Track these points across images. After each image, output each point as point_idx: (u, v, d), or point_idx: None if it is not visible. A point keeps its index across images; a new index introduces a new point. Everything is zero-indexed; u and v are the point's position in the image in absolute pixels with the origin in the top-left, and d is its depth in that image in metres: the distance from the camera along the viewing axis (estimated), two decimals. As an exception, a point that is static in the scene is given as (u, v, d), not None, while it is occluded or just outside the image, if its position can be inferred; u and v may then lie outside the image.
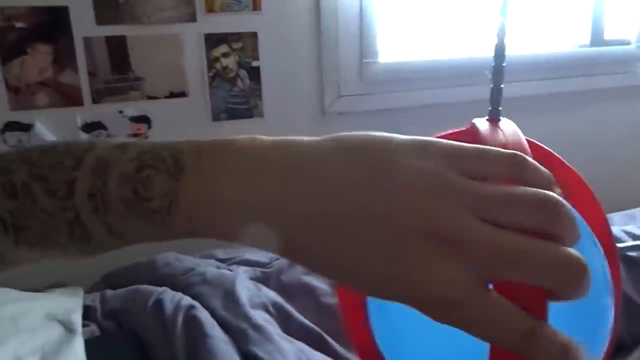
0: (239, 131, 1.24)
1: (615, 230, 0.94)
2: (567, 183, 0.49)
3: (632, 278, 0.87)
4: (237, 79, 1.11)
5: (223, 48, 1.09)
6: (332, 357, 0.69)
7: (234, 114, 1.12)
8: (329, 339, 0.71)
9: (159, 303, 0.64)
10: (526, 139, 0.40)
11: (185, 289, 0.70)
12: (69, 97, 1.00)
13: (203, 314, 0.64)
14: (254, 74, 1.11)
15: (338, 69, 1.17)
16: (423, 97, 1.23)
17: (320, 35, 1.14)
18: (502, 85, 0.41)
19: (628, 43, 1.45)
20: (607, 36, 1.45)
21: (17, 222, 0.31)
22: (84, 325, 0.67)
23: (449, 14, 1.30)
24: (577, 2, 1.44)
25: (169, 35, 1.04)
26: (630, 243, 0.53)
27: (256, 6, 1.08)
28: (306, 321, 0.73)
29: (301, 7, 1.12)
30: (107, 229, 0.32)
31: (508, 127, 0.40)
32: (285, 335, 0.70)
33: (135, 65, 1.03)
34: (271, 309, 0.72)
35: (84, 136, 1.03)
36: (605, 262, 0.43)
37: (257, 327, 0.68)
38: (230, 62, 1.10)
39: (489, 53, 1.30)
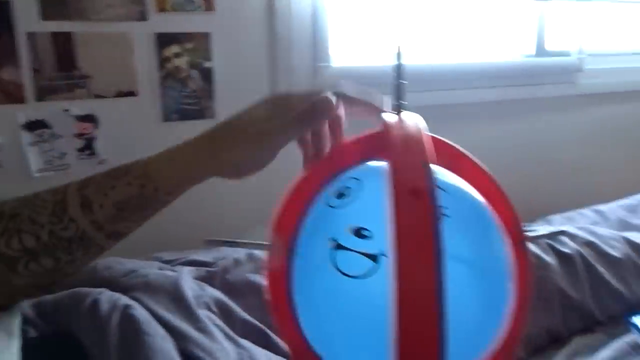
0: (191, 132, 1.22)
1: (553, 229, 0.98)
2: (475, 178, 0.52)
3: (567, 273, 0.91)
4: (188, 80, 1.10)
5: (175, 48, 1.08)
6: (276, 354, 0.70)
7: (185, 115, 1.11)
8: (273, 336, 0.71)
9: (95, 303, 0.63)
10: (433, 136, 0.43)
11: (126, 291, 0.68)
12: (10, 94, 0.97)
13: (141, 313, 0.62)
14: (207, 74, 1.11)
15: (292, 72, 1.18)
16: (375, 101, 1.25)
17: (274, 37, 1.15)
18: (404, 81, 0.46)
19: (568, 54, 1.52)
20: (550, 47, 1.52)
21: (13, 212, 0.49)
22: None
23: (401, 20, 1.33)
24: (524, 14, 1.50)
25: (118, 33, 1.02)
26: (543, 232, 0.57)
27: (209, 6, 1.08)
28: (250, 318, 0.73)
29: (254, 8, 1.12)
30: (81, 199, 0.49)
31: (410, 117, 0.44)
32: (231, 334, 0.69)
33: (82, 63, 1.01)
34: (214, 308, 0.71)
35: (25, 135, 1.00)
36: (509, 252, 0.46)
37: (199, 327, 0.67)
38: (182, 62, 1.09)
39: (441, 60, 1.33)
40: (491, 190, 0.56)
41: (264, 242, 0.56)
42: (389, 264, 0.37)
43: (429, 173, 0.38)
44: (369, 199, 0.43)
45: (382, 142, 0.49)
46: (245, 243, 0.55)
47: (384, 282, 0.37)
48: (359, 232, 0.39)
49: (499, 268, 0.43)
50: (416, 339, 0.33)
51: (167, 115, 1.09)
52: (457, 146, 0.55)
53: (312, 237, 0.44)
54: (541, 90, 1.48)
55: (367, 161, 0.51)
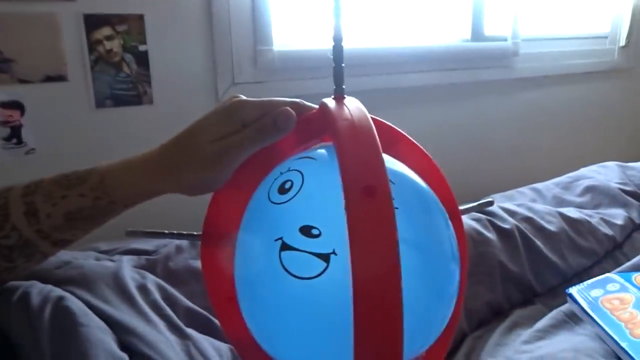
0: (127, 119, 1.17)
1: (481, 201, 1.01)
2: (412, 157, 0.51)
3: (506, 248, 0.94)
4: (122, 64, 1.05)
5: (106, 30, 1.02)
6: (221, 340, 0.68)
7: (120, 101, 1.05)
8: (217, 323, 0.69)
9: (25, 296, 0.59)
10: (371, 117, 0.42)
11: (60, 284, 0.64)
12: None
13: (75, 304, 0.59)
14: (142, 58, 1.06)
15: (231, 56, 1.15)
16: (318, 85, 1.24)
17: (211, 20, 1.11)
18: (343, 65, 0.44)
19: (505, 39, 1.57)
20: (487, 32, 1.56)
21: None
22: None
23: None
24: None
25: (43, 14, 0.96)
26: (473, 204, 0.58)
27: (142, -13, 1.03)
28: (194, 306, 0.71)
29: (190, -11, 1.09)
30: (26, 207, 0.47)
31: (352, 104, 0.42)
32: (177, 323, 0.67)
33: (3, 46, 0.94)
34: (158, 297, 0.69)
35: (-58, 123, 0.92)
36: (453, 233, 0.46)
37: (141, 319, 0.64)
38: (114, 45, 1.03)
39: (378, 44, 1.33)
40: (426, 167, 0.56)
41: (194, 233, 0.53)
42: (340, 262, 0.36)
43: (382, 168, 0.37)
44: (314, 194, 0.41)
45: (320, 125, 0.47)
46: (172, 234, 0.52)
47: (336, 281, 0.36)
48: (307, 231, 0.37)
49: (445, 251, 0.43)
50: (376, 338, 0.33)
51: (100, 101, 1.03)
52: (391, 124, 0.54)
53: (255, 235, 0.42)
54: (478, 75, 1.52)
55: (306, 145, 0.50)
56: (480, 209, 0.57)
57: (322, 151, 0.46)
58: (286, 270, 0.37)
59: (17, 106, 0.97)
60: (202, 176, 0.44)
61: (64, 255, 0.71)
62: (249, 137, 0.44)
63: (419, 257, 0.40)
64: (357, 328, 0.32)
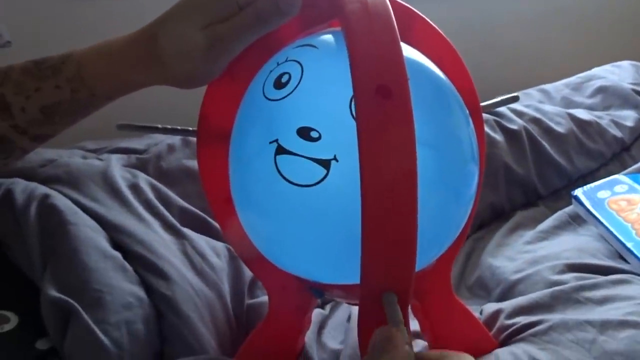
0: (111, 7, 1.08)
1: (505, 96, 0.97)
2: (429, 42, 0.47)
3: (513, 150, 0.91)
4: (99, -54, 0.94)
5: None
6: (218, 240, 0.66)
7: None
8: (213, 223, 0.67)
9: (8, 194, 0.56)
10: None
11: (45, 181, 0.61)
12: None
13: (62, 202, 0.56)
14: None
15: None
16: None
17: None
18: None
19: None
20: None
21: None
22: None
23: None
24: None
25: None
26: (496, 99, 0.55)
27: None
28: (188, 206, 0.69)
29: None
30: None
31: None
32: (172, 222, 0.65)
33: None
34: (151, 196, 0.66)
35: None
36: (473, 131, 0.42)
37: (134, 218, 0.62)
38: None
39: None
40: (445, 54, 0.51)
41: (189, 129, 0.50)
42: (342, 170, 0.33)
43: (401, 65, 0.32)
44: (314, 90, 0.36)
45: (327, 8, 0.42)
46: (166, 128, 0.48)
47: (336, 190, 0.33)
48: (305, 133, 0.34)
49: (465, 151, 0.40)
50: (387, 249, 0.31)
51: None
52: (407, 4, 0.49)
53: (248, 137, 0.38)
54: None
55: (310, 32, 0.44)
56: (504, 104, 0.53)
57: (327, 37, 0.41)
58: (282, 176, 0.34)
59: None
60: (193, 68, 0.39)
61: (47, 153, 0.67)
62: (246, 24, 0.38)
63: (436, 159, 0.37)
64: (366, 240, 0.30)
